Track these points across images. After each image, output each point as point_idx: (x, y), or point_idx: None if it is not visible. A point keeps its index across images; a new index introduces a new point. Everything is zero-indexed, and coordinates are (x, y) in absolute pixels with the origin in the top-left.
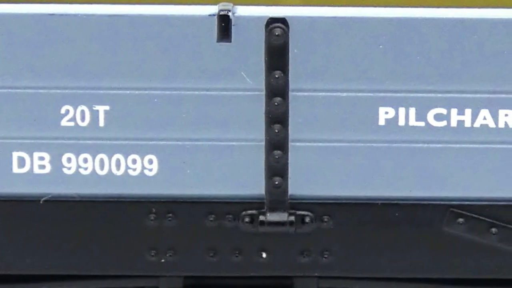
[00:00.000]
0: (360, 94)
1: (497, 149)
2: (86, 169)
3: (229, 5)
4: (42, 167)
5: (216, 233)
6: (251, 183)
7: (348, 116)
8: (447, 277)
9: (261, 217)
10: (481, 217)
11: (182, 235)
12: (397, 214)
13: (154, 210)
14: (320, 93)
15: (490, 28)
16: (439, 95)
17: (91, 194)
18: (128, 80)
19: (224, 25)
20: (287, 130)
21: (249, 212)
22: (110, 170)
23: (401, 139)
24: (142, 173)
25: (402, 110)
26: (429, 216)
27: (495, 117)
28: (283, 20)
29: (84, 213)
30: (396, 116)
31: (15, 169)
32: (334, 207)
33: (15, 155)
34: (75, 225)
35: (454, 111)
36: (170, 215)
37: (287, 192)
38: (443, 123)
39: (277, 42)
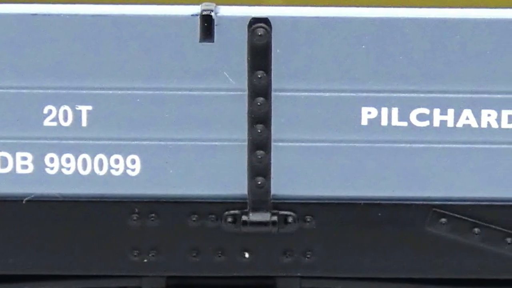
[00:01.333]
0: (342, 94)
1: (479, 149)
2: (68, 169)
3: (211, 5)
4: (24, 167)
5: (199, 233)
6: (234, 183)
7: (331, 116)
8: (429, 277)
9: (244, 217)
10: (463, 217)
11: (164, 235)
12: (379, 214)
13: (136, 210)
14: (303, 93)
15: (472, 28)
16: (422, 95)
17: (73, 194)
18: (111, 80)
19: (207, 25)
20: (269, 130)
21: (232, 212)
22: (93, 170)
23: (384, 139)
24: (124, 173)
25: (384, 110)
26: (412, 216)
27: (477, 117)
28: (265, 20)
29: (67, 213)
30: (379, 116)
31: None
32: (316, 207)
33: None
34: (57, 225)
35: (436, 111)
36: (153, 215)
37: (270, 192)
38: (426, 123)
39: (260, 42)
